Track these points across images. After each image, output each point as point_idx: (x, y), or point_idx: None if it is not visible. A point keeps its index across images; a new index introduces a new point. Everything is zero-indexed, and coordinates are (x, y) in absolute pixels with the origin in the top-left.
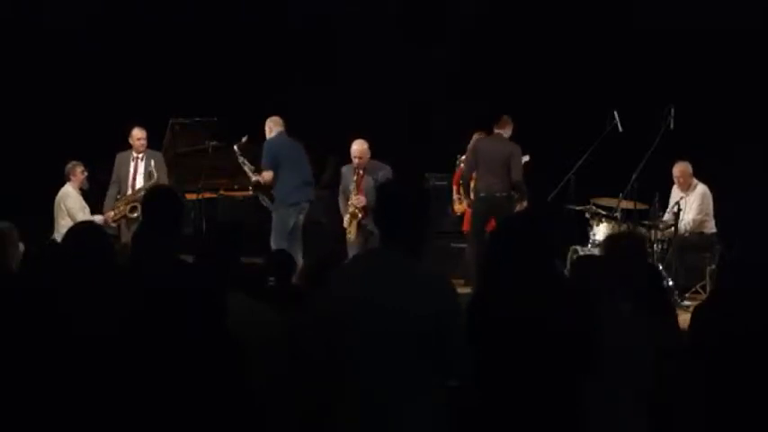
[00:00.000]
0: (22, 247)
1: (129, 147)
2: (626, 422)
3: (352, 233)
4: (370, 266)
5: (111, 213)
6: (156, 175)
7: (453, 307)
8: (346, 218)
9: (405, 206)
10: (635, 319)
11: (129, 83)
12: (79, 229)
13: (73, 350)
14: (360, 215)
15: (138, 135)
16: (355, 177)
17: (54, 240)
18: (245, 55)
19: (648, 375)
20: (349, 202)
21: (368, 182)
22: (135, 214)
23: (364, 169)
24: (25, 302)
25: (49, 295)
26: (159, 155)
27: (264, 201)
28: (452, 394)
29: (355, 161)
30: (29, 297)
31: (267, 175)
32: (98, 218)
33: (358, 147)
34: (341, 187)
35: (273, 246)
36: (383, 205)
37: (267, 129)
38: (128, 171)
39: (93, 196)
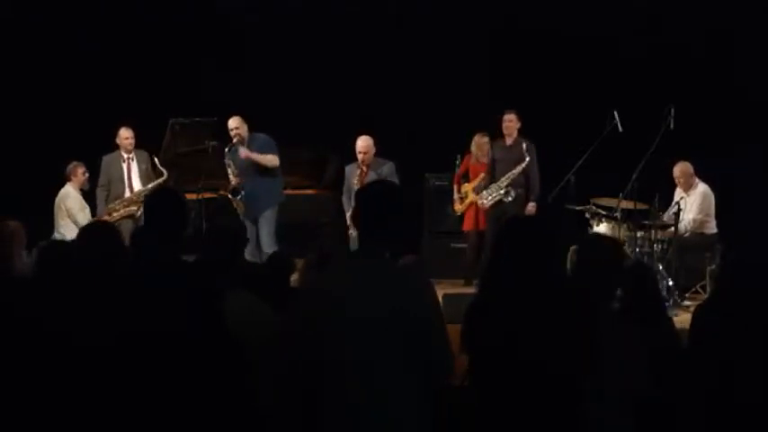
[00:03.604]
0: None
1: (116, 147)
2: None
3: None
4: (344, 267)
5: (108, 218)
6: (152, 174)
7: (426, 307)
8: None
9: (375, 208)
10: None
11: (128, 83)
12: (92, 228)
13: (73, 350)
14: None
15: (125, 135)
16: (359, 172)
17: (55, 240)
18: (245, 55)
19: (637, 375)
20: None
21: (371, 177)
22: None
23: (368, 165)
24: (27, 303)
25: (50, 295)
26: (146, 153)
27: (238, 206)
28: (452, 394)
29: (360, 156)
30: (30, 298)
31: (275, 160)
32: None
33: (363, 142)
34: (345, 187)
35: (269, 247)
36: (357, 208)
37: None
38: (120, 172)
39: (94, 197)
